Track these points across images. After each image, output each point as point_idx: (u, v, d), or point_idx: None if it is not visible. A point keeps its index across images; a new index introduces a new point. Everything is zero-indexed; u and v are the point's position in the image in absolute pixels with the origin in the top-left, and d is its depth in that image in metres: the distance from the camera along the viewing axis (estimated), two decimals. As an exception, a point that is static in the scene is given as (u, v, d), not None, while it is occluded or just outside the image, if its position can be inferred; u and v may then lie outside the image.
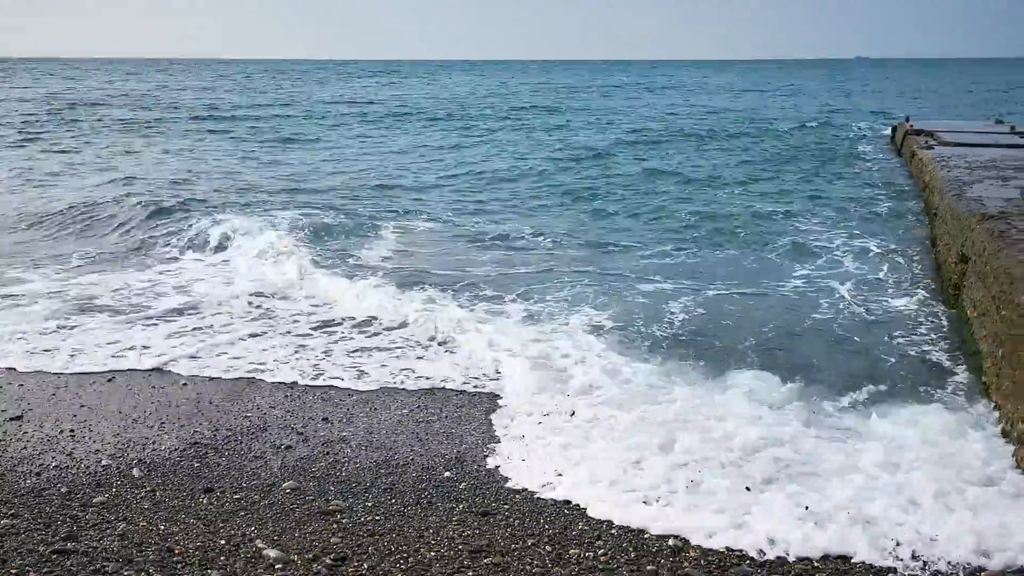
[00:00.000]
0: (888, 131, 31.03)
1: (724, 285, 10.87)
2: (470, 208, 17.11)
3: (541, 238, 13.99)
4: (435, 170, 23.02)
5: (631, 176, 21.45)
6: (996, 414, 6.65)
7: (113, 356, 8.44)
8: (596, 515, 5.35)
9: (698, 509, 5.33)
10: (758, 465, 5.85)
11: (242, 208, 16.21)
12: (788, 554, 4.87)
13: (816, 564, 4.80)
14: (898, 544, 4.91)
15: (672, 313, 9.63)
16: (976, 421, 6.64)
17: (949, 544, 4.88)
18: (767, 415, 6.73)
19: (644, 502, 5.46)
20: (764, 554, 4.88)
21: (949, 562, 4.76)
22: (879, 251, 12.82)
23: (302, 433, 6.73)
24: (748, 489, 5.54)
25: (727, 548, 4.96)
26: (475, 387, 7.70)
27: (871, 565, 4.77)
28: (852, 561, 4.81)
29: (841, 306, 9.99)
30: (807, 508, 5.27)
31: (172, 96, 57.87)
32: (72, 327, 9.24)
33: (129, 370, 8.12)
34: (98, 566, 4.72)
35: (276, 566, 4.78)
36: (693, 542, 5.02)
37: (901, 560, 4.79)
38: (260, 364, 8.27)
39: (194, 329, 9.30)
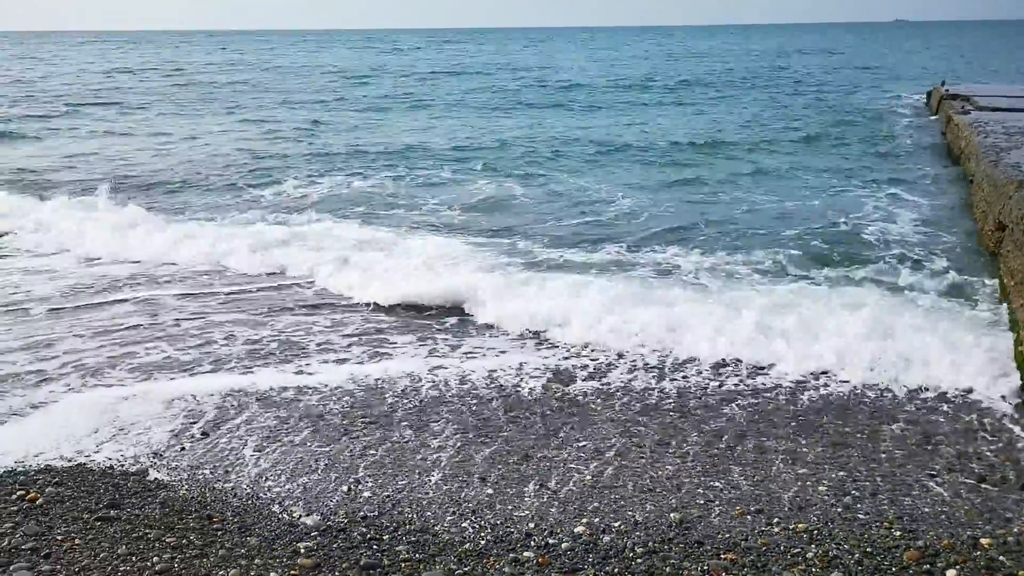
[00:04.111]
0: (923, 96, 30.41)
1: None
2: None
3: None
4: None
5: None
6: None
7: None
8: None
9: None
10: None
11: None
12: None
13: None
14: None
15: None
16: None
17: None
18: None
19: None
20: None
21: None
22: (914, 218, 12.63)
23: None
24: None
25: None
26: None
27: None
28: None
29: (877, 266, 9.92)
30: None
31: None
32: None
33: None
34: (140, 532, 4.84)
35: (312, 533, 4.87)
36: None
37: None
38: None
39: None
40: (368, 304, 9.31)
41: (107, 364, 7.64)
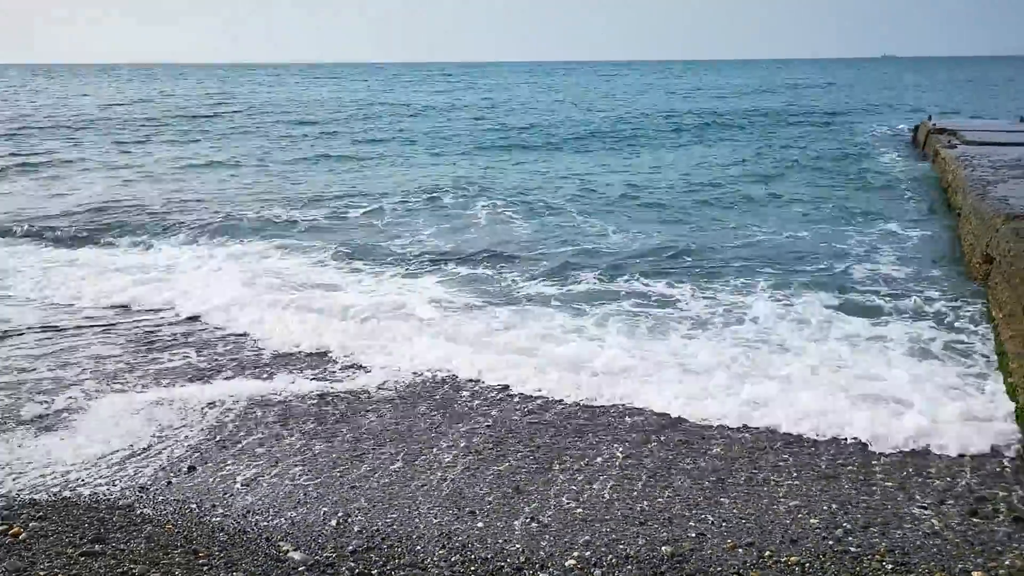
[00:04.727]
0: (909, 130, 30.76)
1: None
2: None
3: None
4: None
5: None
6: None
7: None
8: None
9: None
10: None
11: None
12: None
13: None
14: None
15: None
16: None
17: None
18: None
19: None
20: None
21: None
22: (902, 250, 12.71)
23: (325, 436, 6.78)
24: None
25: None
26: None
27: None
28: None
29: (865, 300, 9.94)
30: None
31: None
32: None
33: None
34: (125, 568, 4.78)
35: (300, 568, 4.82)
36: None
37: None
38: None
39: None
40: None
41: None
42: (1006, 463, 6.08)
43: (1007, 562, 4.80)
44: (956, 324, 9.06)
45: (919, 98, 55.89)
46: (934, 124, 25.10)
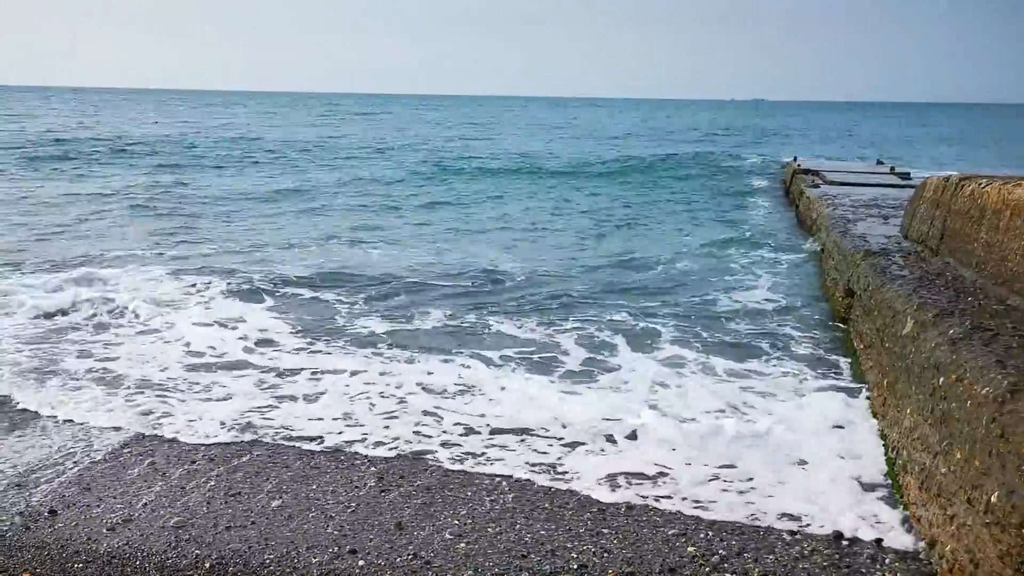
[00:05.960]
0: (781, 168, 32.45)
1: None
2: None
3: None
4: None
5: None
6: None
7: None
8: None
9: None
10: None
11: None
12: None
13: None
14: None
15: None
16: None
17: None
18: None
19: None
20: None
21: None
22: (770, 284, 13.31)
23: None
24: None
25: None
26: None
27: None
28: None
29: (731, 333, 10.35)
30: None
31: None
32: None
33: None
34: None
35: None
36: None
37: None
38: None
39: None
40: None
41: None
42: (868, 485, 6.39)
43: (869, 583, 5.05)
44: (822, 356, 9.55)
45: (785, 139, 59.05)
46: (799, 164, 26.50)
